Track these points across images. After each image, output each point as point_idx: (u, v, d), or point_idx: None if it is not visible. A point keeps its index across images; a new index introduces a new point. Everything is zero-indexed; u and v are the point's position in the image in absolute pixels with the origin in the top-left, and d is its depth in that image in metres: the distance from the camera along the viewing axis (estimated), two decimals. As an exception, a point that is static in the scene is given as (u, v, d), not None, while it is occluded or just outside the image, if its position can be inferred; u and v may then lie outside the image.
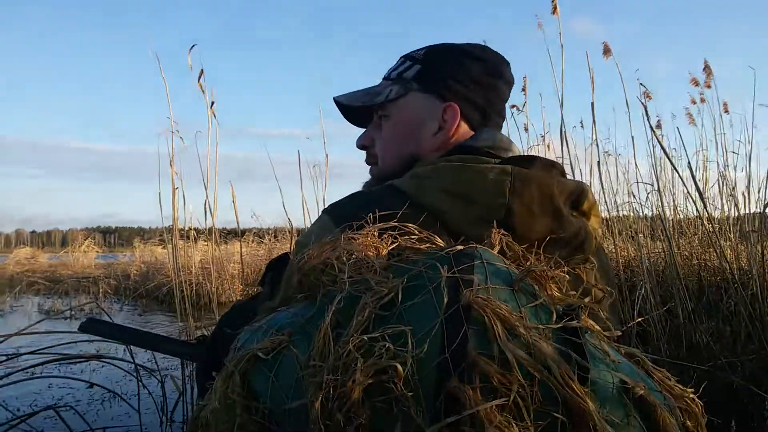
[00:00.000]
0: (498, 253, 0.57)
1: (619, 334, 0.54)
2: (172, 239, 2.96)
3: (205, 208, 2.84)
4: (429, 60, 0.86)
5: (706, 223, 2.56)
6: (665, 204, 3.04)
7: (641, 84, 2.69)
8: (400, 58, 0.90)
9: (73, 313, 5.41)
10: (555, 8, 2.54)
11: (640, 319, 2.14)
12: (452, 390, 0.42)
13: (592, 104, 2.67)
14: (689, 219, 3.32)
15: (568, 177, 0.81)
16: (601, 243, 0.81)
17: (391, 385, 0.43)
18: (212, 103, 2.90)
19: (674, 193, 3.34)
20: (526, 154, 0.83)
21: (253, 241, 8.08)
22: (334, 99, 0.93)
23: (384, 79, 0.91)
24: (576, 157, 3.01)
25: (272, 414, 0.48)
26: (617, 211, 3.37)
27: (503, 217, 0.68)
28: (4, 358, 2.04)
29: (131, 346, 2.48)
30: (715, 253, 2.46)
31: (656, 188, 2.74)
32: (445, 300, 0.47)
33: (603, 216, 2.97)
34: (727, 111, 3.22)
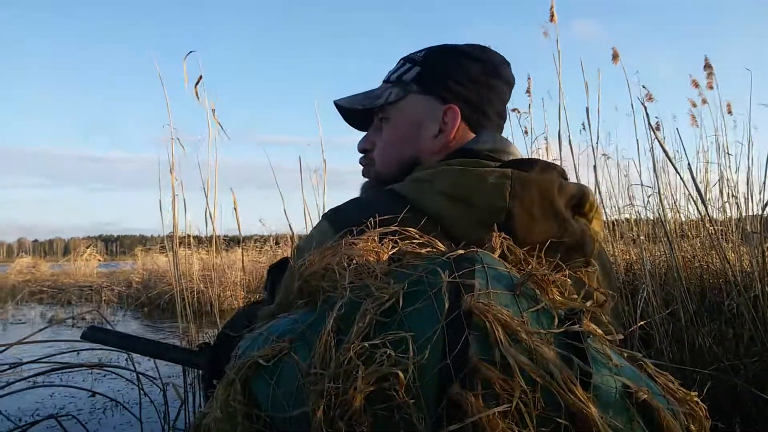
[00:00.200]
0: (499, 256, 0.57)
1: (622, 337, 0.53)
2: (173, 247, 2.96)
3: (205, 215, 2.84)
4: (428, 62, 0.86)
5: (707, 225, 2.56)
6: (666, 206, 3.03)
7: (642, 86, 2.69)
8: (400, 60, 0.90)
9: (75, 321, 5.40)
10: (552, 16, 2.59)
11: (642, 323, 2.13)
12: (454, 396, 0.42)
13: (587, 109, 2.68)
14: (691, 221, 3.32)
15: (569, 180, 0.81)
16: (602, 246, 0.81)
17: (392, 392, 0.43)
18: (213, 110, 2.91)
19: (676, 196, 3.34)
20: (526, 157, 0.82)
21: (254, 249, 8.07)
22: (335, 102, 0.93)
23: (384, 81, 0.91)
24: (579, 160, 3.01)
25: (274, 422, 0.48)
26: (618, 214, 3.37)
27: (503, 221, 0.68)
28: (6, 367, 2.04)
29: (133, 355, 2.48)
30: (717, 256, 2.46)
31: (657, 190, 2.73)
32: (446, 305, 0.47)
33: (604, 219, 2.97)
34: (730, 112, 3.21)
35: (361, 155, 0.94)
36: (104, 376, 3.21)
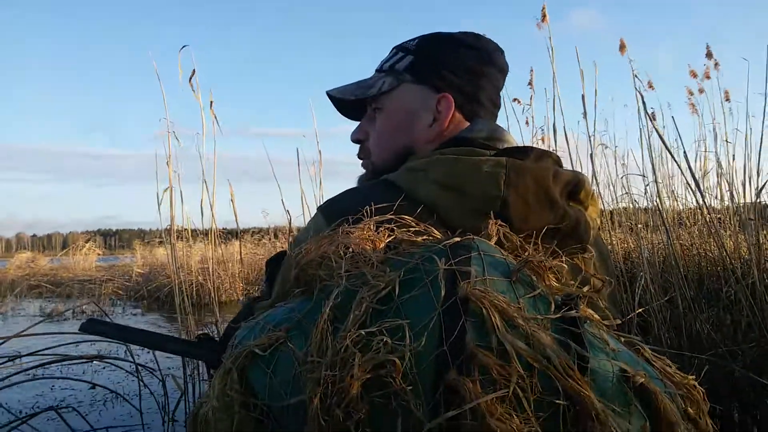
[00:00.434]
0: (495, 244, 0.57)
1: (619, 322, 0.53)
2: (170, 239, 2.96)
3: (201, 207, 2.85)
4: (421, 50, 0.85)
5: (705, 213, 2.56)
6: (664, 195, 3.03)
7: (636, 76, 2.67)
8: (393, 49, 0.89)
9: (74, 314, 5.41)
10: (544, 16, 2.63)
11: (640, 310, 2.14)
12: (451, 382, 0.42)
13: (583, 96, 2.68)
14: (689, 209, 3.32)
15: (565, 167, 0.81)
16: (599, 233, 0.81)
17: (389, 379, 0.43)
18: (211, 103, 2.90)
19: (673, 185, 3.34)
20: (522, 145, 0.82)
21: (251, 242, 8.07)
22: (327, 93, 0.92)
23: (377, 71, 0.90)
24: (577, 150, 3.02)
25: (271, 410, 0.48)
26: (616, 203, 3.37)
27: (499, 209, 0.68)
28: (5, 359, 2.04)
29: (132, 347, 2.49)
30: (714, 244, 2.46)
31: (654, 179, 2.73)
32: (443, 292, 0.47)
33: (602, 209, 2.98)
34: (728, 99, 3.20)
35: (357, 149, 0.94)
36: (104, 368, 3.22)
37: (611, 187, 3.36)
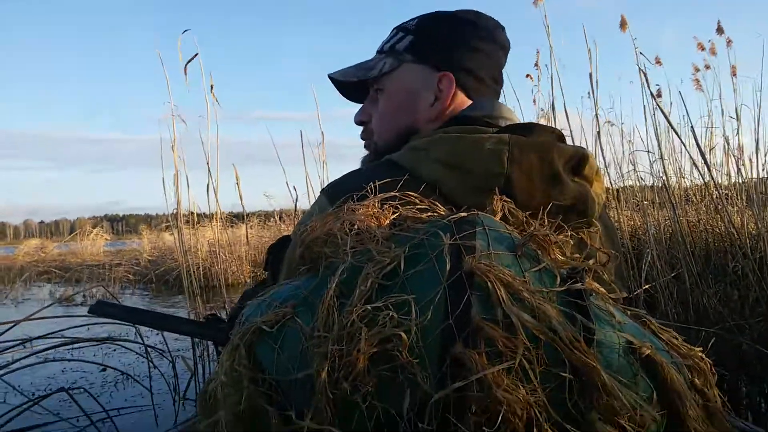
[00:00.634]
0: (500, 220, 0.57)
1: (625, 295, 0.53)
2: (177, 224, 2.98)
3: (207, 191, 2.86)
4: (421, 30, 0.85)
5: (712, 189, 2.55)
6: (670, 172, 3.02)
7: (640, 53, 2.65)
8: (393, 29, 0.88)
9: (84, 299, 5.46)
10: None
11: (647, 286, 2.14)
12: (457, 355, 0.42)
13: (591, 74, 2.67)
14: (696, 186, 3.30)
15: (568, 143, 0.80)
16: (604, 208, 0.80)
17: (396, 353, 0.43)
18: (212, 86, 2.90)
19: (680, 162, 3.31)
20: (524, 121, 0.82)
21: (257, 225, 8.09)
22: (329, 76, 0.92)
23: (377, 52, 0.89)
24: (582, 128, 3.01)
25: (279, 385, 0.48)
26: (623, 181, 3.36)
27: (502, 186, 0.68)
28: (17, 343, 2.07)
29: (141, 329, 2.52)
30: (722, 220, 2.45)
31: (660, 156, 2.71)
32: (448, 267, 0.47)
33: (609, 186, 2.96)
34: (735, 74, 3.16)
35: (360, 129, 0.94)
36: (114, 350, 3.25)
37: (616, 165, 3.35)
